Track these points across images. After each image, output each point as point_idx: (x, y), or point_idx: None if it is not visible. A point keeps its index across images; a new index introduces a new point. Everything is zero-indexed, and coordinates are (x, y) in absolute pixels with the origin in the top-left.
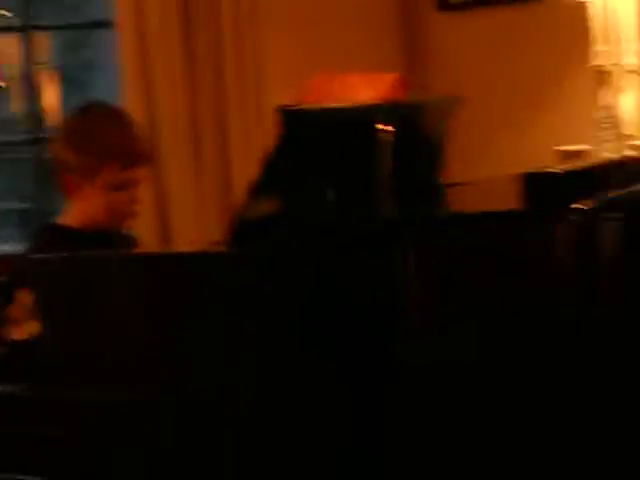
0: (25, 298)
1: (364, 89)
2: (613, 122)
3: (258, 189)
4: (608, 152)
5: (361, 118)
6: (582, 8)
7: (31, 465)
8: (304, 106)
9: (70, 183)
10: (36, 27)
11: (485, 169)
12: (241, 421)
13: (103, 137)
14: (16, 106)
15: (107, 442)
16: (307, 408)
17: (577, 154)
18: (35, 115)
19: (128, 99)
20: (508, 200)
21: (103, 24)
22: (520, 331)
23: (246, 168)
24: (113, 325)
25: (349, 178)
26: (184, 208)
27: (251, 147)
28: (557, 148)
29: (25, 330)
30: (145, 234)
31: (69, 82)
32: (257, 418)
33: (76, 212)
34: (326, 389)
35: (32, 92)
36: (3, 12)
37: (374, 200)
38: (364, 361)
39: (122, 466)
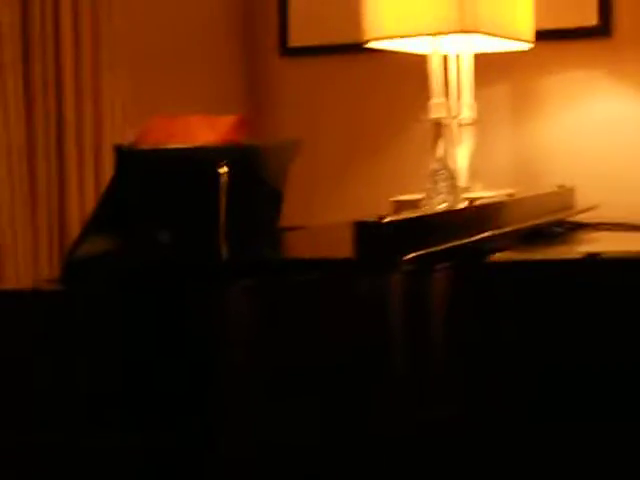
0: None
1: (203, 131)
2: (448, 174)
3: (92, 227)
4: (442, 203)
5: (199, 159)
6: (422, 62)
7: None
8: (141, 146)
9: None
10: None
11: (327, 215)
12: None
13: None
14: None
15: None
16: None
17: (412, 204)
18: None
19: None
20: (341, 248)
21: None
22: (344, 382)
23: (81, 207)
24: None
25: (185, 219)
26: (16, 245)
27: (87, 186)
28: (393, 198)
29: None
30: None
31: None
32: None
33: None
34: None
35: None
36: None
37: (208, 242)
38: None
39: None
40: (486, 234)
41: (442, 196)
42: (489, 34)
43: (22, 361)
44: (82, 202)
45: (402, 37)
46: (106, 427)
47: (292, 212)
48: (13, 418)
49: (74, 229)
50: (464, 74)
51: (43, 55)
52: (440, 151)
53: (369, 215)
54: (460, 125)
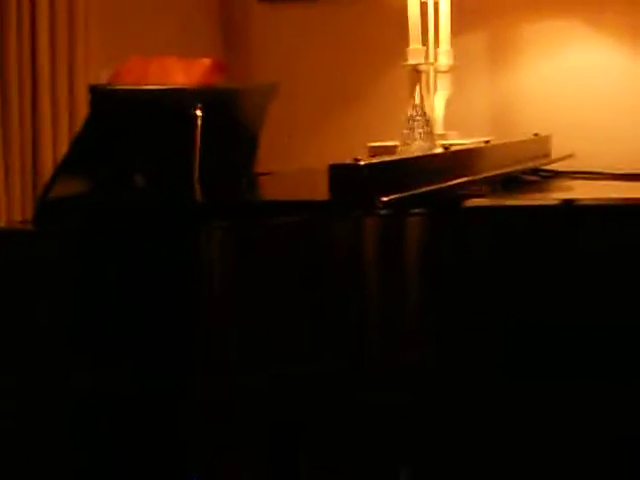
0: None
1: (179, 73)
2: (425, 120)
3: (65, 168)
4: (418, 150)
5: (174, 101)
6: (401, 8)
7: None
8: (116, 86)
9: None
10: None
11: (302, 160)
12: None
13: None
14: None
15: None
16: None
17: (387, 150)
18: None
19: None
20: (316, 191)
21: None
22: (320, 325)
23: (55, 148)
24: None
25: (158, 160)
26: None
27: (60, 127)
28: (370, 144)
29: None
30: None
31: None
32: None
33: None
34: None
35: None
36: None
37: (182, 184)
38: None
39: None
40: (462, 180)
41: (418, 142)
42: None
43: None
44: (56, 143)
45: None
46: (77, 367)
47: (270, 158)
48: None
49: (47, 170)
50: (442, 21)
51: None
52: (417, 97)
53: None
54: (437, 72)
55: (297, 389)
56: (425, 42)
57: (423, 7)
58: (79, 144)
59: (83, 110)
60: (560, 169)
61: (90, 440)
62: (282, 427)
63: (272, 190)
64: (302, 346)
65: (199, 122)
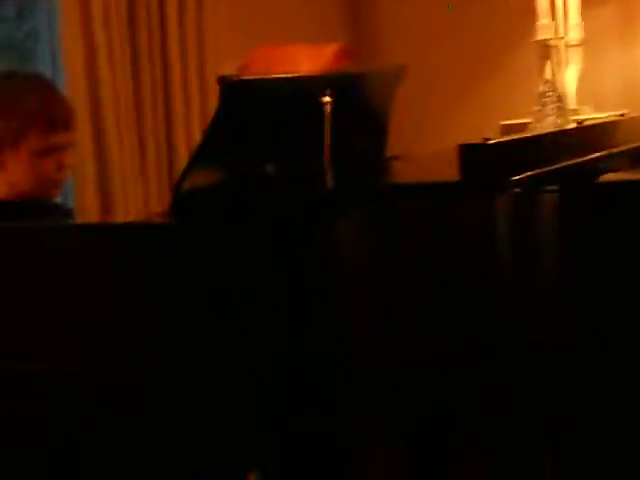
0: None
1: (306, 60)
2: (556, 96)
3: (197, 159)
4: (551, 126)
5: (302, 89)
6: None
7: None
8: (245, 77)
9: None
10: None
11: (431, 141)
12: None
13: (25, 102)
14: None
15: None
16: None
17: (520, 127)
18: None
19: (69, 69)
20: (446, 172)
21: None
22: (454, 304)
23: (188, 139)
24: (49, 295)
25: (289, 148)
26: (126, 179)
27: (193, 118)
28: (501, 122)
29: None
30: (86, 205)
31: (13, 52)
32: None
33: (2, 182)
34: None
35: None
36: None
37: (313, 170)
38: (293, 333)
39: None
40: (596, 155)
41: (551, 118)
42: None
43: (129, 294)
44: (189, 134)
45: None
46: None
47: (402, 140)
48: (119, 350)
49: (182, 162)
50: None
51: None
52: (548, 73)
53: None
54: (567, 46)
55: (440, 373)
56: (554, 17)
57: None
58: (210, 135)
59: (214, 101)
60: None
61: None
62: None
63: (403, 173)
64: (438, 327)
65: (328, 108)
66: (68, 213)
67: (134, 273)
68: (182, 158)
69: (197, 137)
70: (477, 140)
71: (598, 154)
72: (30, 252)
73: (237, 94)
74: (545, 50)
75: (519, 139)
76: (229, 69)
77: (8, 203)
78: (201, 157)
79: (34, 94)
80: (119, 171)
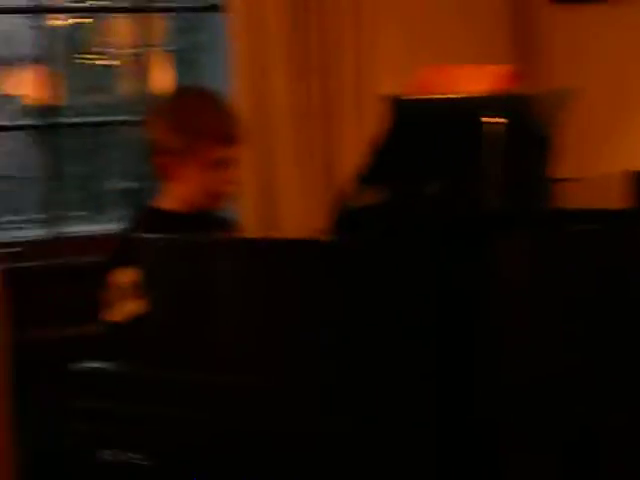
0: (125, 277)
1: (474, 81)
2: None
3: (364, 178)
4: None
5: (470, 110)
6: None
7: (130, 441)
8: (415, 96)
9: (165, 164)
10: (149, 9)
11: (597, 166)
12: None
13: (198, 116)
14: (128, 87)
15: (205, 423)
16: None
17: None
18: (146, 96)
19: (237, 83)
20: (616, 198)
21: (216, 8)
22: (615, 331)
23: (351, 157)
24: (212, 308)
25: (456, 169)
26: (289, 194)
27: (357, 136)
28: None
29: (123, 309)
30: (250, 220)
31: (182, 64)
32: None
33: (172, 193)
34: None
35: (144, 73)
36: None
37: (480, 192)
38: (456, 357)
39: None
40: None
41: None
42: None
43: (291, 310)
44: (352, 152)
45: None
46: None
47: (563, 163)
48: (288, 366)
49: (344, 179)
50: None
51: (319, 6)
52: None
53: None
54: None
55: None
56: None
57: None
58: (377, 154)
59: (371, 120)
60: None
61: None
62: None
63: (567, 197)
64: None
65: (494, 129)
66: (233, 226)
67: (296, 288)
68: (345, 175)
69: (359, 155)
70: None
71: None
72: (197, 264)
73: (407, 113)
74: None
75: None
76: (396, 89)
77: (179, 215)
78: (366, 176)
79: (207, 110)
80: (283, 186)
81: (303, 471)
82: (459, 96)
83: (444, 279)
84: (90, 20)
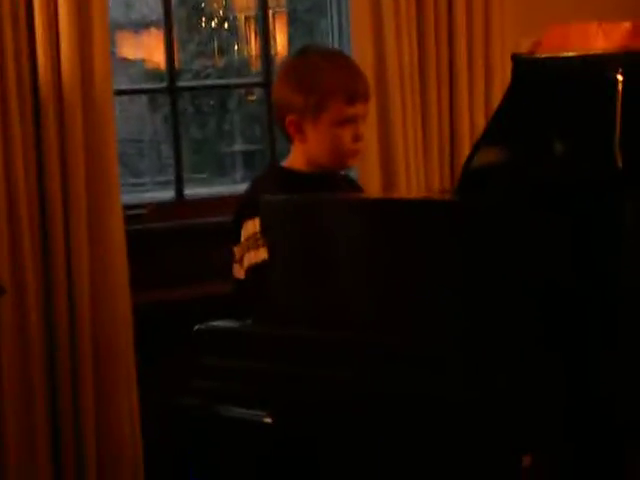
0: (254, 228)
1: (600, 38)
2: None
3: (487, 137)
4: None
5: (594, 67)
6: None
7: (255, 399)
8: (538, 55)
9: (293, 124)
10: None
11: None
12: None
13: (325, 75)
14: (248, 49)
15: (330, 381)
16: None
17: None
18: (266, 58)
19: (357, 44)
20: None
21: None
22: None
23: (471, 117)
24: (336, 267)
25: (580, 128)
26: (408, 154)
27: (477, 97)
28: None
29: (251, 258)
30: (371, 179)
31: (300, 26)
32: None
33: (299, 154)
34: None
35: (264, 35)
36: None
37: (604, 151)
38: (576, 321)
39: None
40: None
41: None
42: None
43: (412, 270)
44: (472, 112)
45: None
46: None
47: None
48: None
49: (464, 140)
50: None
51: None
52: None
53: None
54: None
55: None
56: None
57: None
58: (501, 112)
59: (499, 78)
60: None
61: None
62: None
63: None
64: None
65: (620, 87)
66: (357, 187)
67: (417, 250)
68: (464, 134)
69: (480, 114)
70: None
71: None
72: (322, 224)
73: (529, 72)
74: None
75: None
76: (522, 47)
77: (306, 175)
78: (490, 136)
79: (332, 68)
80: (402, 144)
81: (424, 434)
82: (584, 54)
83: (575, 239)
84: None
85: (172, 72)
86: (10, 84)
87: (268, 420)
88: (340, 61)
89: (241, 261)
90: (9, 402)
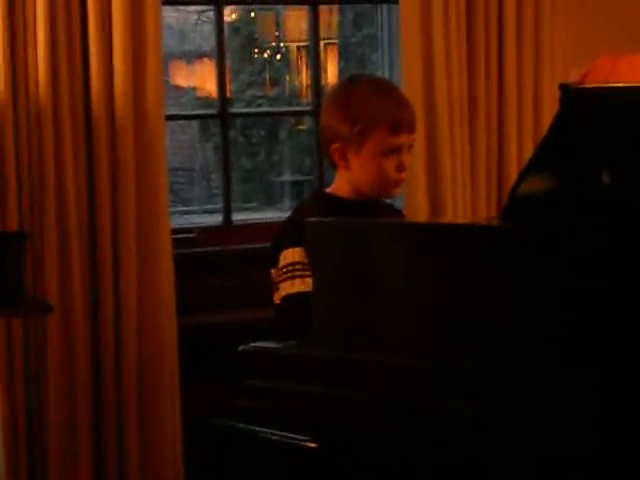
0: (295, 257)
1: None
2: None
3: (534, 164)
4: None
5: None
6: None
7: (299, 422)
8: (587, 85)
9: (339, 152)
10: (323, 1)
11: None
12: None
13: (371, 104)
14: (299, 79)
15: (374, 405)
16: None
17: None
18: (317, 88)
19: (407, 76)
20: None
21: (387, 0)
22: None
23: (519, 146)
24: (380, 291)
25: (626, 159)
26: (455, 182)
27: (525, 125)
28: None
29: (292, 288)
30: (417, 209)
31: (351, 58)
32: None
33: (343, 181)
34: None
35: (316, 66)
36: None
37: None
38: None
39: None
40: None
41: None
42: None
43: (459, 295)
44: (520, 141)
45: None
46: (545, 361)
47: None
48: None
49: (512, 168)
50: None
51: (486, 7)
52: None
53: None
54: None
55: None
56: None
57: None
58: (548, 141)
59: (547, 109)
60: None
61: None
62: None
63: None
64: None
65: None
66: (401, 215)
67: (462, 275)
68: (512, 164)
69: (529, 144)
70: None
71: None
72: (369, 246)
73: (577, 101)
74: None
75: None
76: (571, 77)
77: (350, 202)
78: (537, 163)
79: (378, 98)
80: (450, 174)
81: (472, 455)
82: (631, 84)
83: (616, 268)
84: (262, 13)
85: (224, 99)
86: (64, 110)
87: (312, 445)
88: (387, 91)
89: (277, 288)
90: (54, 421)
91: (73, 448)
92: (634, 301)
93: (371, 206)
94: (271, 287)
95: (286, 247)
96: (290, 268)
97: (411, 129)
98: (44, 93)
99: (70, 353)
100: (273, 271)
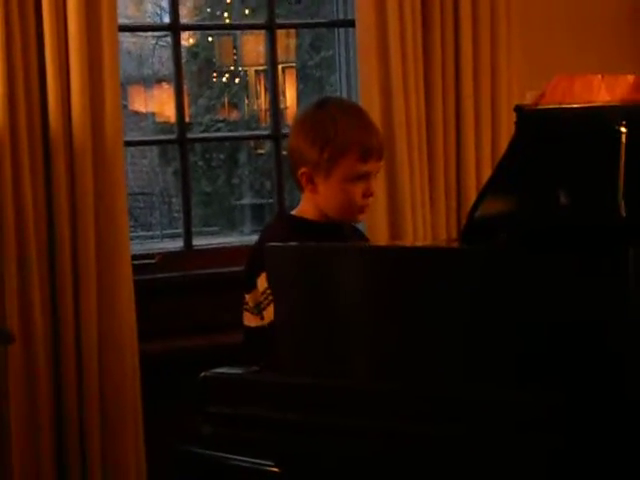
0: (264, 283)
1: (603, 90)
2: None
3: (491, 187)
4: None
5: (599, 118)
6: None
7: (263, 447)
8: (542, 106)
9: (305, 176)
10: (280, 25)
11: None
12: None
13: (340, 130)
14: (258, 103)
15: (340, 430)
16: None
17: None
18: (276, 111)
19: (365, 98)
20: None
21: (344, 23)
22: None
23: (478, 169)
24: (341, 314)
25: (583, 178)
26: (415, 205)
27: (484, 149)
28: None
29: (263, 314)
30: (377, 231)
31: (309, 80)
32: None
33: (310, 204)
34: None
35: (274, 89)
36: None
37: (607, 202)
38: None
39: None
40: None
41: None
42: None
43: (417, 317)
44: (479, 164)
45: None
46: (502, 383)
47: None
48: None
49: (470, 191)
50: None
51: (442, 29)
52: None
53: None
54: None
55: None
56: None
57: None
58: (505, 163)
59: (505, 130)
60: None
61: None
62: None
63: None
64: None
65: (623, 138)
66: (364, 238)
67: (423, 297)
68: (471, 186)
69: (487, 167)
70: None
71: None
72: (330, 270)
73: (533, 123)
74: None
75: None
76: (527, 99)
77: (315, 224)
78: (495, 184)
79: (348, 124)
80: (409, 197)
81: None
82: (586, 105)
83: (579, 290)
84: (220, 38)
85: (182, 124)
86: (21, 136)
87: (274, 469)
88: (356, 116)
89: (255, 310)
90: (17, 450)
91: (36, 475)
92: (593, 323)
93: (337, 229)
94: (240, 311)
95: (263, 270)
96: (260, 294)
97: (379, 156)
98: (1, 120)
99: (31, 382)
100: (248, 296)
